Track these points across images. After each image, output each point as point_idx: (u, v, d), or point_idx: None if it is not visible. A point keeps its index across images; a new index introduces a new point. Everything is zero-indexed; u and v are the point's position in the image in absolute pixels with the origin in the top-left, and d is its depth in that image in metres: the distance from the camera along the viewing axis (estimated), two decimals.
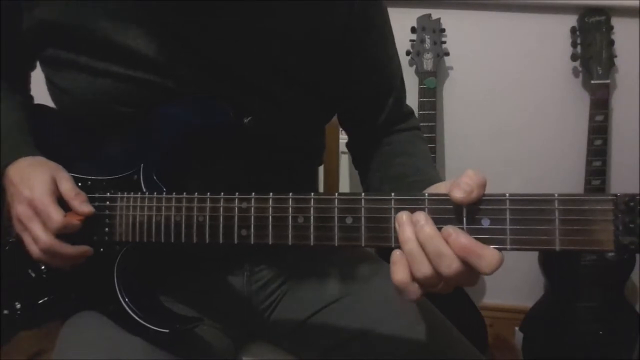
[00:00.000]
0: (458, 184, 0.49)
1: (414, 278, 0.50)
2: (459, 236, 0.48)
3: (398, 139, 0.83)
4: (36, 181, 0.67)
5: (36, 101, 0.86)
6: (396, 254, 0.51)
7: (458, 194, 0.49)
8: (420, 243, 0.49)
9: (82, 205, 0.67)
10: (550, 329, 1.52)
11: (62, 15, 0.69)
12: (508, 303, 1.73)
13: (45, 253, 0.66)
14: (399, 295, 0.51)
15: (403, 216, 0.51)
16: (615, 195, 0.45)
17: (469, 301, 1.53)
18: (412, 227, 0.50)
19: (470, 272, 0.49)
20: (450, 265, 0.48)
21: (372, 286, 0.82)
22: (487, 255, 0.47)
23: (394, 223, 0.52)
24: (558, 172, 1.63)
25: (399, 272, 0.50)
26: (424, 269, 0.49)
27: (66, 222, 0.65)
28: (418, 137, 0.86)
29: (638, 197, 0.44)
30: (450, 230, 0.49)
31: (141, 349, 0.67)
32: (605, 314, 1.48)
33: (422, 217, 0.50)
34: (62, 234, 0.65)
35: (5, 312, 0.73)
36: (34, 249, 0.66)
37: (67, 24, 0.69)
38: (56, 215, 0.64)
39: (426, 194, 0.51)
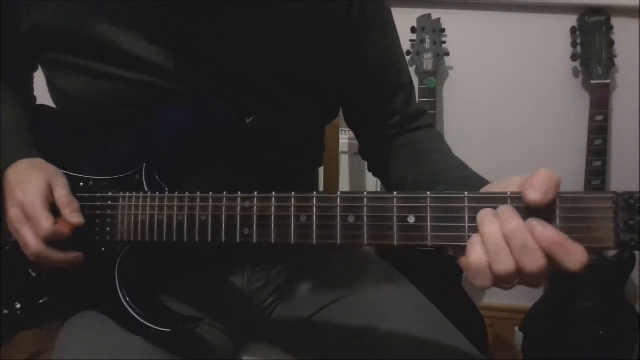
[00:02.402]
0: (532, 184, 0.47)
1: (492, 272, 0.47)
2: (546, 229, 0.45)
3: (417, 137, 0.82)
4: (30, 185, 0.66)
5: (38, 102, 0.86)
6: (475, 237, 0.48)
7: (534, 196, 0.46)
8: (505, 236, 0.46)
9: (72, 215, 0.66)
10: (550, 329, 1.52)
11: (61, 19, 0.68)
12: (508, 303, 1.73)
13: (36, 258, 0.66)
14: (469, 279, 0.49)
15: (486, 213, 0.48)
16: (615, 193, 0.45)
17: (469, 301, 1.53)
18: (497, 223, 0.47)
19: (548, 270, 0.46)
20: (537, 261, 0.45)
21: (373, 286, 0.82)
22: (575, 251, 0.45)
23: (395, 222, 0.51)
24: (558, 172, 1.63)
25: (476, 252, 0.48)
26: (506, 264, 0.46)
27: (55, 230, 0.64)
28: (437, 134, 0.85)
29: (637, 195, 0.44)
30: (535, 222, 0.46)
31: (141, 349, 0.67)
32: (605, 314, 1.47)
33: (507, 209, 0.47)
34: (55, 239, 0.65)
35: (5, 312, 0.73)
36: (27, 252, 0.66)
37: (66, 27, 0.69)
38: (45, 222, 0.64)
39: (428, 193, 0.50)
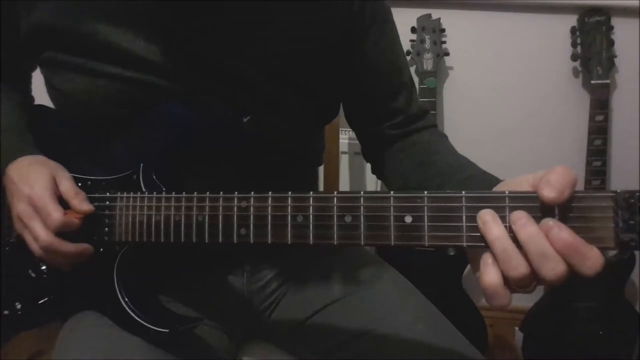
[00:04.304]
0: (548, 181, 0.45)
1: (506, 278, 0.46)
2: (561, 231, 0.44)
3: (421, 139, 0.81)
4: (36, 179, 0.67)
5: (36, 101, 0.86)
6: (489, 256, 0.47)
7: (550, 194, 0.45)
8: (522, 243, 0.45)
9: (82, 204, 0.67)
10: (550, 329, 1.52)
11: (59, 17, 0.68)
12: None
13: (46, 251, 0.65)
14: (488, 300, 0.47)
15: (487, 214, 0.47)
16: (615, 192, 0.44)
17: (469, 301, 1.53)
18: (501, 225, 0.46)
19: (567, 276, 0.44)
20: (556, 268, 0.44)
21: (372, 286, 0.82)
22: (592, 256, 0.43)
23: (392, 222, 0.51)
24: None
25: (491, 273, 0.46)
26: (520, 268, 0.45)
27: (65, 221, 0.65)
28: (441, 134, 0.84)
29: (638, 194, 0.43)
30: (552, 223, 0.44)
31: (141, 349, 0.67)
32: (605, 314, 1.47)
33: (522, 215, 0.46)
34: (63, 233, 0.65)
35: (6, 312, 0.73)
36: (35, 247, 0.66)
37: (64, 26, 0.69)
38: (55, 214, 0.64)
39: (425, 193, 0.50)
